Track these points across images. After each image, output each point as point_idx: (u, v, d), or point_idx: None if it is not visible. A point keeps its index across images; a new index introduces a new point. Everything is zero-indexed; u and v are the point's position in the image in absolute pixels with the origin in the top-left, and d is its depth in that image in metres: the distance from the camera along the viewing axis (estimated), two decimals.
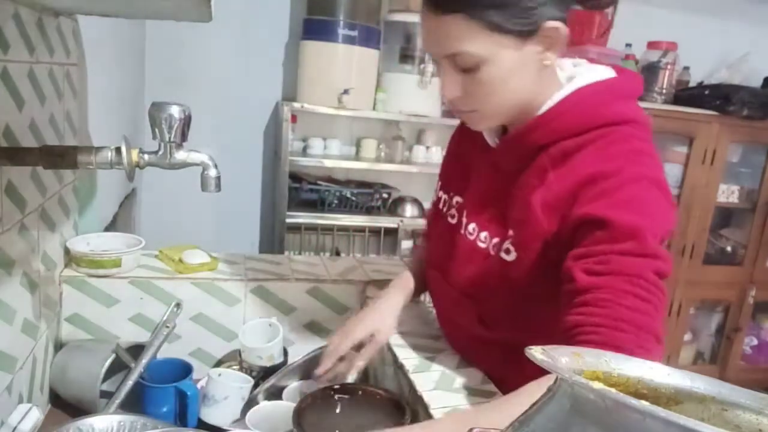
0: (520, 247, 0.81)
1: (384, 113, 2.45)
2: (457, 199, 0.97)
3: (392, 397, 0.90)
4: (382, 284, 1.22)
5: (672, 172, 2.70)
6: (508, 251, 0.83)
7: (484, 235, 0.88)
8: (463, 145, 1.00)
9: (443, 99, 0.85)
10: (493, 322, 0.88)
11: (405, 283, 1.04)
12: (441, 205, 1.01)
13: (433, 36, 0.78)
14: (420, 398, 0.84)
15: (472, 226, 0.90)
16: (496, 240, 0.86)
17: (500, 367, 0.90)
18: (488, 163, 0.91)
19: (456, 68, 0.78)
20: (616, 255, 0.70)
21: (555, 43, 0.77)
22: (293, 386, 1.02)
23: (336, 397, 0.90)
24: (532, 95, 0.81)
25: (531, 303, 0.82)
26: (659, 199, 0.75)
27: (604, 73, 0.83)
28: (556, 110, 0.81)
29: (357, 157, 2.62)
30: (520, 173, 0.84)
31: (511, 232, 0.83)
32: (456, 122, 1.03)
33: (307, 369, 1.06)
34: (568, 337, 0.70)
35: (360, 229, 2.53)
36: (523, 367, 0.73)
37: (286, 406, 0.95)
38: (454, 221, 0.95)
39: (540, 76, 0.80)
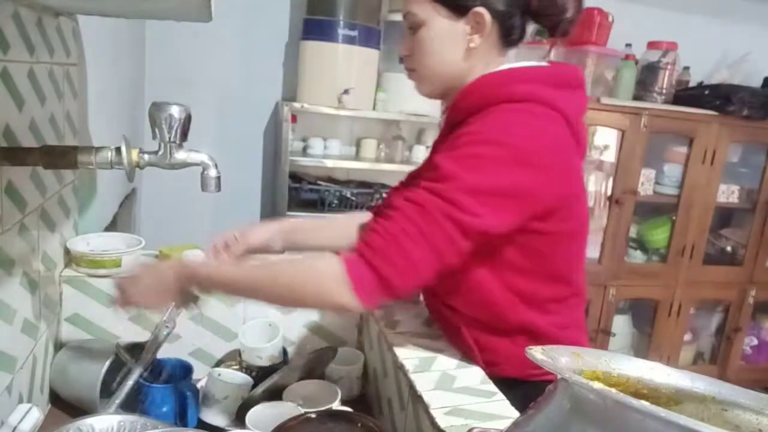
0: None
1: (384, 113, 2.45)
2: None
3: (370, 424, 0.87)
4: None
5: (672, 172, 2.70)
6: None
7: None
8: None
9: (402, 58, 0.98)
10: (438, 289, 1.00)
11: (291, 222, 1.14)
12: None
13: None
14: (420, 398, 0.84)
15: None
16: None
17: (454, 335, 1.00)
18: (432, 149, 1.02)
19: (408, 27, 0.93)
20: (424, 191, 0.81)
21: (480, 29, 0.89)
22: (293, 386, 1.02)
23: (314, 425, 0.87)
24: (459, 72, 0.93)
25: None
26: (500, 163, 0.81)
27: (524, 64, 0.92)
28: (465, 90, 0.91)
29: (357, 157, 2.61)
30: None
31: None
32: None
33: (307, 369, 1.06)
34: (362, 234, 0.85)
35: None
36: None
37: (286, 406, 0.95)
38: None
39: (468, 56, 0.92)
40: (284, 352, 1.12)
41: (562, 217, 0.89)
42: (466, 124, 0.88)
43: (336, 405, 0.97)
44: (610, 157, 2.59)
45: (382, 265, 0.78)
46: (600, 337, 2.70)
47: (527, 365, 0.94)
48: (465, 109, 0.91)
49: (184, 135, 0.80)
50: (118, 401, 0.93)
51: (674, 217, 2.69)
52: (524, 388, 0.92)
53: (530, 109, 0.85)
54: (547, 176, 0.83)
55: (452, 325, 0.99)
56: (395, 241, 0.79)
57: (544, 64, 0.93)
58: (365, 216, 1.14)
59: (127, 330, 1.12)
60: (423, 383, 0.88)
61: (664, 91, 2.65)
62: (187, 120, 0.80)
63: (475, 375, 0.93)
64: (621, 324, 2.81)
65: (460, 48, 0.91)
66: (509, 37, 0.93)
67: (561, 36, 0.92)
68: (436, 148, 0.99)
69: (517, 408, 0.85)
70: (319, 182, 2.55)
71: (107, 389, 1.00)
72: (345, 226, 1.12)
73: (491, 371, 0.95)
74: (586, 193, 0.98)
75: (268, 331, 1.13)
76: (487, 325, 0.95)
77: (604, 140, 2.60)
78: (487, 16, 0.88)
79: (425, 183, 0.82)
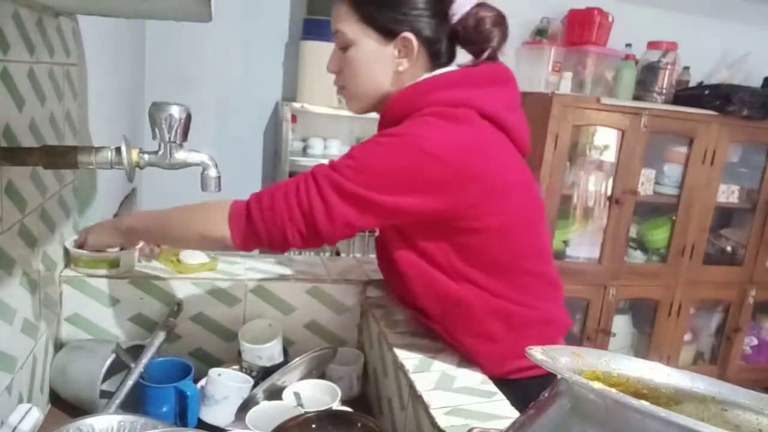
0: None
1: None
2: None
3: (370, 424, 0.87)
4: (382, 284, 1.22)
5: (672, 172, 2.70)
6: None
7: None
8: None
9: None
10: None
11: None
12: None
13: (332, 17, 0.99)
14: (420, 398, 0.84)
15: None
16: None
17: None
18: None
19: (338, 46, 0.98)
20: (326, 164, 0.89)
21: (408, 54, 0.93)
22: (293, 386, 1.02)
23: (313, 425, 0.87)
24: (388, 91, 0.96)
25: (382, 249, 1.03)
26: (399, 149, 0.86)
27: (437, 72, 0.95)
28: (387, 105, 0.96)
29: None
30: None
31: None
32: None
33: (307, 369, 1.06)
34: None
35: None
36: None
37: (286, 406, 0.95)
38: None
39: (396, 78, 0.96)
40: (284, 352, 1.12)
41: (494, 211, 0.89)
42: None
43: (336, 405, 0.97)
44: (610, 157, 2.59)
45: (254, 208, 0.88)
46: (600, 337, 2.70)
47: (512, 359, 0.95)
48: (387, 120, 0.96)
49: (184, 135, 0.80)
50: (118, 401, 0.93)
51: (674, 217, 2.69)
52: (517, 385, 0.93)
53: (445, 112, 0.88)
54: (459, 176, 0.86)
55: (433, 330, 1.01)
56: (272, 192, 0.89)
57: (465, 66, 0.96)
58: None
59: (127, 330, 1.13)
60: (423, 383, 0.88)
61: (664, 91, 2.65)
62: (187, 120, 0.80)
63: (475, 375, 0.93)
64: (621, 324, 2.81)
65: (388, 70, 0.95)
66: (437, 61, 0.96)
67: (487, 61, 0.95)
68: None
69: (513, 406, 0.85)
70: None
71: (107, 389, 1.00)
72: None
73: (483, 372, 0.95)
74: (532, 183, 0.99)
75: (268, 331, 1.13)
76: (459, 321, 0.96)
77: (604, 140, 2.60)
78: (415, 42, 0.92)
79: (331, 160, 0.90)
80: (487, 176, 0.88)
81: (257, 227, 0.88)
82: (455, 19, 0.94)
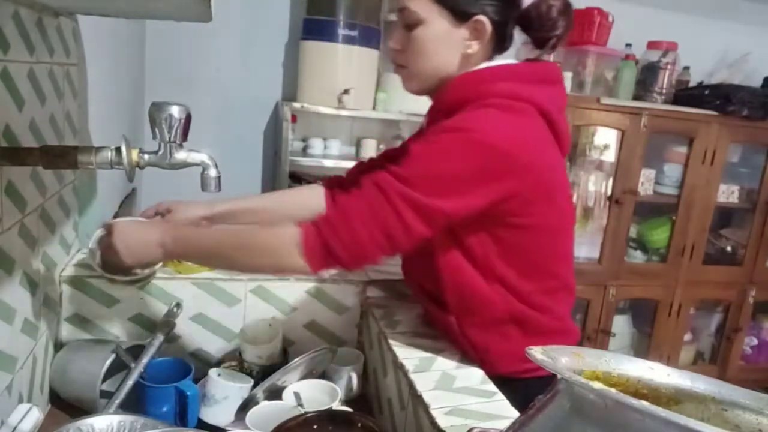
0: None
1: (384, 113, 2.45)
2: None
3: (370, 424, 0.87)
4: (382, 284, 1.22)
5: (672, 172, 2.70)
6: None
7: None
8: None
9: (389, 52, 0.99)
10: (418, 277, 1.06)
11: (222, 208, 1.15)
12: None
13: None
14: (420, 398, 0.84)
15: None
16: None
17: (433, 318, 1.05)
18: None
19: (403, 24, 0.93)
20: (388, 173, 0.85)
21: (480, 37, 0.91)
22: (293, 386, 1.02)
23: (313, 425, 0.87)
24: (449, 74, 0.94)
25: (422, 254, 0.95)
26: (466, 148, 0.83)
27: (501, 62, 0.95)
28: (445, 89, 0.94)
29: (357, 157, 2.61)
30: None
31: None
32: None
33: (307, 369, 1.06)
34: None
35: None
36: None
37: (286, 406, 0.95)
38: None
39: (462, 61, 0.93)
40: (284, 352, 1.12)
41: (541, 210, 0.90)
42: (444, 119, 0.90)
43: (336, 405, 0.97)
44: (610, 157, 2.59)
45: (331, 237, 0.84)
46: (600, 337, 2.70)
47: (520, 361, 0.95)
48: (445, 104, 0.94)
49: (184, 135, 0.80)
50: (118, 401, 0.93)
51: (674, 217, 2.69)
52: (519, 384, 0.93)
53: (507, 104, 0.87)
54: (518, 167, 0.85)
55: (444, 321, 1.00)
56: (347, 217, 0.84)
57: (520, 62, 0.96)
58: (306, 191, 1.23)
59: (127, 330, 1.13)
60: (423, 383, 0.88)
61: (664, 91, 2.65)
62: (187, 120, 0.80)
63: (475, 375, 0.93)
64: (621, 324, 2.81)
65: (455, 52, 0.93)
66: (502, 45, 0.95)
67: (549, 50, 0.95)
68: (412, 139, 1.04)
69: (513, 405, 0.85)
70: (319, 182, 2.55)
71: (107, 389, 1.00)
72: (282, 206, 1.18)
73: (485, 369, 0.95)
74: (568, 187, 0.99)
75: (268, 331, 1.13)
76: (476, 318, 0.96)
77: (604, 140, 2.60)
78: (488, 25, 0.90)
79: (391, 165, 0.86)
80: (542, 172, 0.88)
81: (341, 258, 0.84)
82: (526, 3, 0.92)
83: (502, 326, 0.95)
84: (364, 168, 1.18)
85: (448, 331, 1.00)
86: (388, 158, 1.08)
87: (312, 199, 1.19)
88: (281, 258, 0.86)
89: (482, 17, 0.90)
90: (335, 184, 1.22)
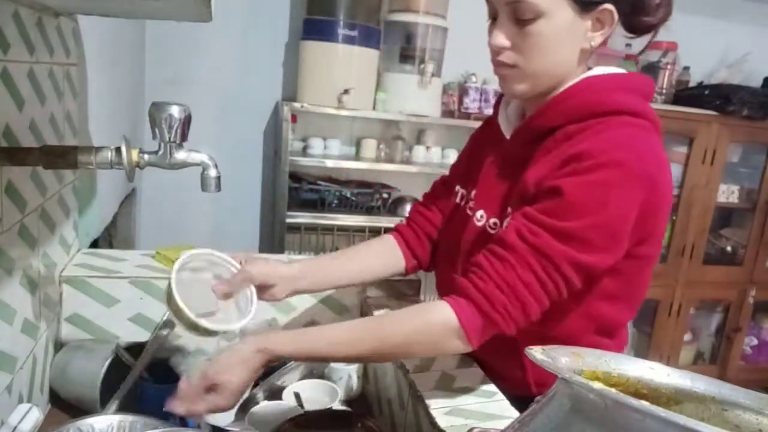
0: None
1: (384, 113, 2.45)
2: (463, 191, 0.99)
3: (370, 424, 0.88)
4: (381, 284, 1.22)
5: (672, 172, 2.69)
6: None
7: (493, 221, 0.90)
8: (480, 142, 1.03)
9: (490, 52, 0.85)
10: None
11: (299, 267, 0.97)
12: (455, 199, 1.01)
13: None
14: (420, 398, 0.84)
15: (480, 213, 0.92)
16: (500, 222, 0.89)
17: (497, 355, 0.91)
18: (501, 155, 0.93)
19: (512, 18, 0.81)
20: (548, 232, 0.75)
21: (604, 26, 0.82)
22: (293, 386, 1.02)
23: (314, 426, 0.87)
24: (566, 72, 0.85)
25: None
26: (625, 187, 0.76)
27: (614, 70, 0.87)
28: (565, 94, 0.84)
29: (357, 157, 2.61)
30: (528, 159, 0.86)
31: (509, 210, 0.86)
32: (456, 123, 1.04)
33: (307, 369, 1.06)
34: (467, 269, 0.81)
35: (360, 229, 2.53)
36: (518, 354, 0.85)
37: (286, 406, 0.95)
38: (463, 211, 0.97)
39: (579, 56, 0.84)
40: None
41: (655, 240, 0.85)
42: (570, 137, 0.82)
43: (336, 405, 0.97)
44: None
45: (494, 314, 0.76)
46: None
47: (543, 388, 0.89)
48: (564, 114, 0.83)
49: (184, 135, 0.80)
50: (118, 401, 0.93)
51: (674, 217, 2.69)
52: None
53: (638, 123, 0.81)
54: (659, 195, 0.81)
55: (507, 341, 0.85)
56: (514, 293, 0.76)
57: (622, 70, 0.88)
58: (382, 244, 1.06)
59: (127, 330, 1.12)
60: (423, 383, 0.88)
61: (664, 91, 2.65)
62: (187, 120, 0.79)
63: (475, 375, 0.93)
64: None
65: (577, 47, 0.83)
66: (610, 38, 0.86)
67: (639, 34, 0.88)
68: (527, 166, 0.85)
69: None
70: (319, 182, 2.55)
71: (107, 389, 1.00)
72: (359, 263, 1.03)
73: (539, 391, 0.86)
74: None
75: (268, 331, 1.12)
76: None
77: None
78: (616, 15, 0.82)
79: (549, 220, 0.75)
80: (670, 200, 0.85)
81: (505, 330, 0.77)
82: None
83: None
84: (439, 193, 1.07)
85: (503, 347, 0.85)
86: (460, 178, 1.01)
87: (386, 254, 1.06)
88: (440, 346, 0.79)
89: (610, 6, 0.80)
90: (406, 231, 1.07)
